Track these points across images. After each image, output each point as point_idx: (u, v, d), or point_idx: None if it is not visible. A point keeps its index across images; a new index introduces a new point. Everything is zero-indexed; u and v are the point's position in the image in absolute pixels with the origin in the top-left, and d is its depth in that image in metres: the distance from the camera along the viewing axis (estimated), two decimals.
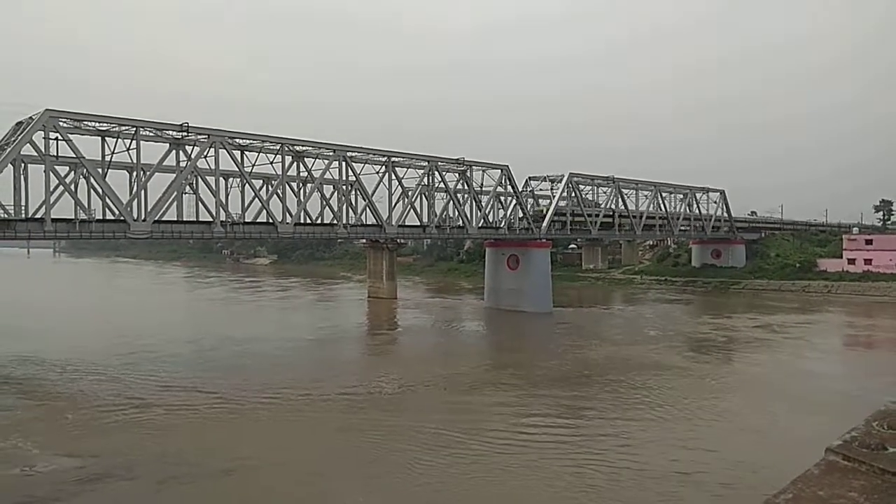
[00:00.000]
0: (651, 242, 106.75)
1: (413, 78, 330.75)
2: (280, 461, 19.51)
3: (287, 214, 47.41)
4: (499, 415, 24.83)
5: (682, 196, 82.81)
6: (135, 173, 41.36)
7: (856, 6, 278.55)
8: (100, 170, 38.90)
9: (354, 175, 50.49)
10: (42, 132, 34.59)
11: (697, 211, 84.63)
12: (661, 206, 78.65)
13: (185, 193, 45.45)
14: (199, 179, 44.15)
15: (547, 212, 64.94)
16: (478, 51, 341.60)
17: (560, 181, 66.42)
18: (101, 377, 30.83)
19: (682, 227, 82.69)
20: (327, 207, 52.89)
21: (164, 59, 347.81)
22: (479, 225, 60.06)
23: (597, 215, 69.62)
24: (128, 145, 38.89)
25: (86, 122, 37.70)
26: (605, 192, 72.16)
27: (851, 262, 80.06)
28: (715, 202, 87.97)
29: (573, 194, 67.43)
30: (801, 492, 2.32)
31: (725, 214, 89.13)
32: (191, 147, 42.12)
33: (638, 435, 22.19)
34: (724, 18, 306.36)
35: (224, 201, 45.16)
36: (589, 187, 71.18)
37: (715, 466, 19.10)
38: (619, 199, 72.44)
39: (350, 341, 46.80)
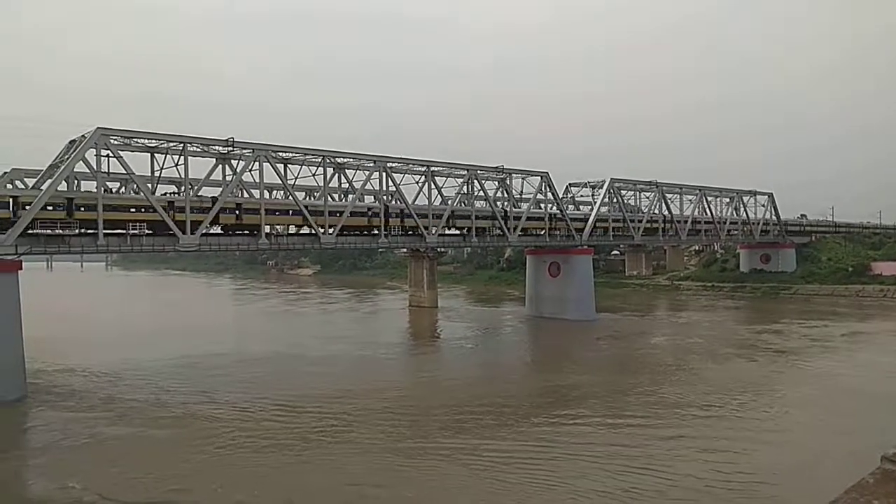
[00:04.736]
0: (697, 247, 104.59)
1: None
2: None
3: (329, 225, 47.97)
4: (645, 445, 22.85)
5: (728, 200, 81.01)
6: (183, 188, 42.49)
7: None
8: (149, 185, 40.16)
9: (394, 185, 50.83)
10: (94, 149, 35.85)
11: (745, 214, 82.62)
12: (707, 210, 77.01)
13: None
14: (245, 192, 45.28)
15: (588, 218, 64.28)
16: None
17: (601, 187, 65.70)
18: (198, 398, 31.03)
19: (732, 231, 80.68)
20: None
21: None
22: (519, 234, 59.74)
23: (639, 221, 68.50)
24: (176, 161, 40.11)
25: (136, 140, 38.93)
26: (647, 197, 71.13)
27: None
28: (763, 205, 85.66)
29: (615, 200, 66.56)
30: (855, 502, 2.22)
31: (774, 218, 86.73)
32: (236, 161, 43.15)
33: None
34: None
35: None
36: (631, 192, 70.33)
37: None
38: (663, 204, 71.21)
39: (417, 357, 46.71)
